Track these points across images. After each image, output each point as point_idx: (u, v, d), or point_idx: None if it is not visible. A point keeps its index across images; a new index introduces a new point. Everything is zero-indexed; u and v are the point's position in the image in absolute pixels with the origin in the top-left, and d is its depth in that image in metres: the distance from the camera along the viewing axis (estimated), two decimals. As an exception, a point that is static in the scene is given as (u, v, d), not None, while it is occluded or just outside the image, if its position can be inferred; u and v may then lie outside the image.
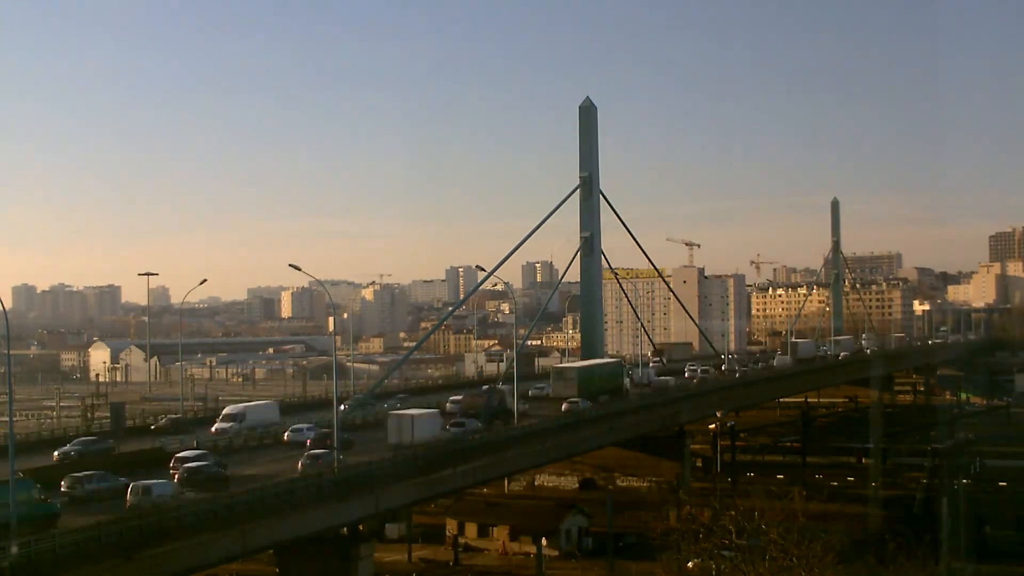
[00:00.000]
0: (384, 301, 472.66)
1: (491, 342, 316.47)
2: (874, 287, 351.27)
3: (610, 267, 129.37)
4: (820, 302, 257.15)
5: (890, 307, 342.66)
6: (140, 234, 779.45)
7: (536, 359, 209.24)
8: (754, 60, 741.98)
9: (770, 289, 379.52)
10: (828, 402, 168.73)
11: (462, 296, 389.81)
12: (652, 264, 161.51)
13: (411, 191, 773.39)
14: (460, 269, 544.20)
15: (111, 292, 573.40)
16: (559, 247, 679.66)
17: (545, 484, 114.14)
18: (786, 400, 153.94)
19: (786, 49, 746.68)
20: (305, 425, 73.99)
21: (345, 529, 59.28)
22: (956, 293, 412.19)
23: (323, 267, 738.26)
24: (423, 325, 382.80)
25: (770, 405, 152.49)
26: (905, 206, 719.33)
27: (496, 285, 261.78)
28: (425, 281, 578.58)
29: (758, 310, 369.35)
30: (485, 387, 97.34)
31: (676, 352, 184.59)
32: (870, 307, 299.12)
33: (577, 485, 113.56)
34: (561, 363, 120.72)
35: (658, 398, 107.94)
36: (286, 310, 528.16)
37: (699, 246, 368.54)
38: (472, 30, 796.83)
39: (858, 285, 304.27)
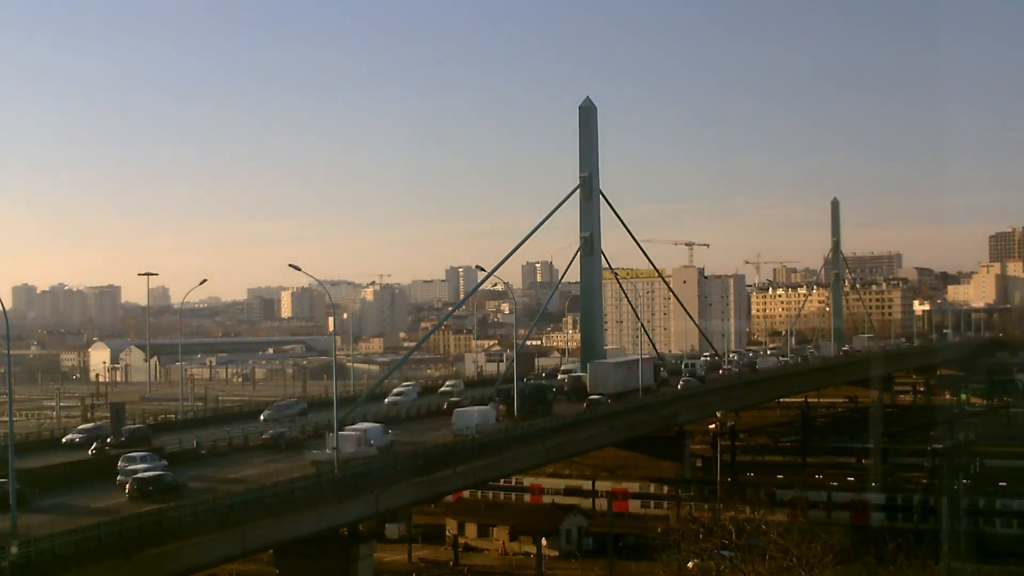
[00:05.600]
0: (384, 301, 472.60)
1: (491, 342, 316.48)
2: (874, 287, 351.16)
3: (610, 267, 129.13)
4: (820, 302, 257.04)
5: (890, 307, 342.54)
6: (140, 234, 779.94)
7: (536, 359, 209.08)
8: (754, 60, 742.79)
9: (770, 289, 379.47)
10: (828, 402, 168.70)
11: (462, 296, 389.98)
12: (652, 264, 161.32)
13: (412, 191, 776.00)
14: (460, 269, 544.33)
15: (111, 292, 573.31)
16: (559, 247, 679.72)
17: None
18: (786, 400, 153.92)
19: (786, 49, 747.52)
20: None
21: (345, 529, 59.27)
22: (956, 293, 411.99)
23: (323, 267, 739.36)
24: (423, 325, 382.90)
25: (770, 405, 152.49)
26: (905, 206, 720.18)
27: (496, 285, 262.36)
28: (425, 281, 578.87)
29: (758, 310, 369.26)
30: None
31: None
32: (870, 307, 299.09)
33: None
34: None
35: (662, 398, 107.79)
36: (286, 310, 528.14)
37: (707, 246, 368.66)
38: (472, 30, 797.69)
39: (858, 285, 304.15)
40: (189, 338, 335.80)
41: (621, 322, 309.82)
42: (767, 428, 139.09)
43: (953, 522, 76.02)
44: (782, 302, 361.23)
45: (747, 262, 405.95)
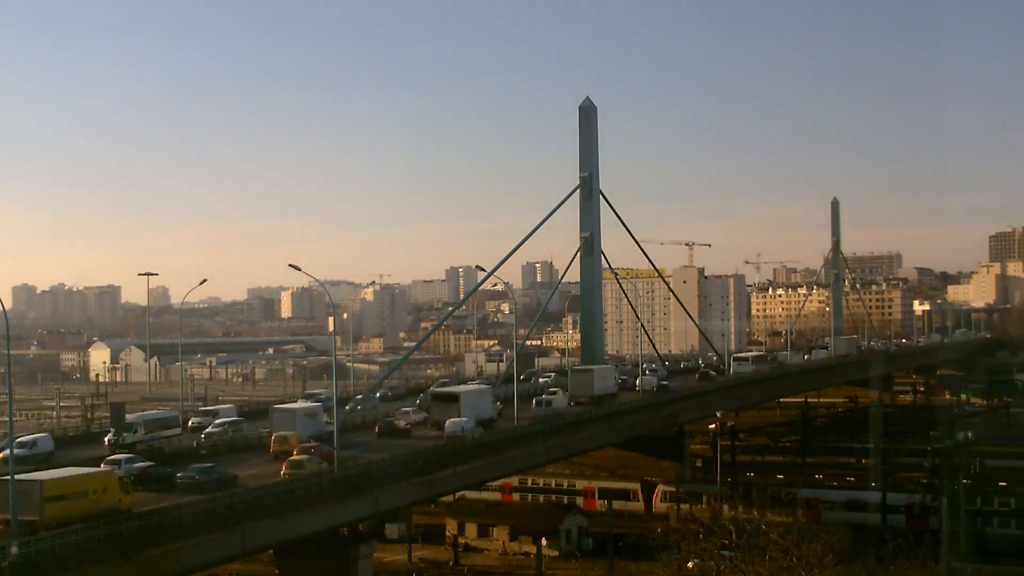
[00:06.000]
0: (384, 301, 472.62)
1: (491, 342, 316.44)
2: (874, 287, 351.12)
3: (610, 267, 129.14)
4: (820, 302, 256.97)
5: (890, 307, 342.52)
6: (140, 234, 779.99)
7: (536, 359, 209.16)
8: (754, 60, 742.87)
9: (770, 289, 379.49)
10: (828, 402, 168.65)
11: (462, 296, 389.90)
12: (652, 264, 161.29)
13: (411, 191, 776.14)
14: (460, 269, 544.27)
15: (111, 292, 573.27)
16: (559, 247, 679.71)
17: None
18: (786, 400, 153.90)
19: (786, 49, 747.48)
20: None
21: (345, 529, 59.28)
22: (956, 293, 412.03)
23: (323, 267, 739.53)
24: (423, 325, 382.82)
25: (770, 405, 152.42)
26: (905, 206, 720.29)
27: (496, 285, 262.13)
28: (425, 281, 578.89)
29: (758, 310, 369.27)
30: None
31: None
32: (870, 307, 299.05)
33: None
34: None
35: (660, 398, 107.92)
36: (286, 310, 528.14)
37: (709, 246, 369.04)
38: (472, 30, 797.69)
39: (858, 285, 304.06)
40: (189, 338, 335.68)
41: (621, 322, 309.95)
42: (767, 428, 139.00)
43: (953, 522, 75.90)
44: (782, 302, 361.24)
45: (747, 262, 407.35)
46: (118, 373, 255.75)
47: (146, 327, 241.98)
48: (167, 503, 47.57)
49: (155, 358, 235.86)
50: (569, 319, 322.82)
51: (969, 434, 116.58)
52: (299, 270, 66.60)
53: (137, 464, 55.87)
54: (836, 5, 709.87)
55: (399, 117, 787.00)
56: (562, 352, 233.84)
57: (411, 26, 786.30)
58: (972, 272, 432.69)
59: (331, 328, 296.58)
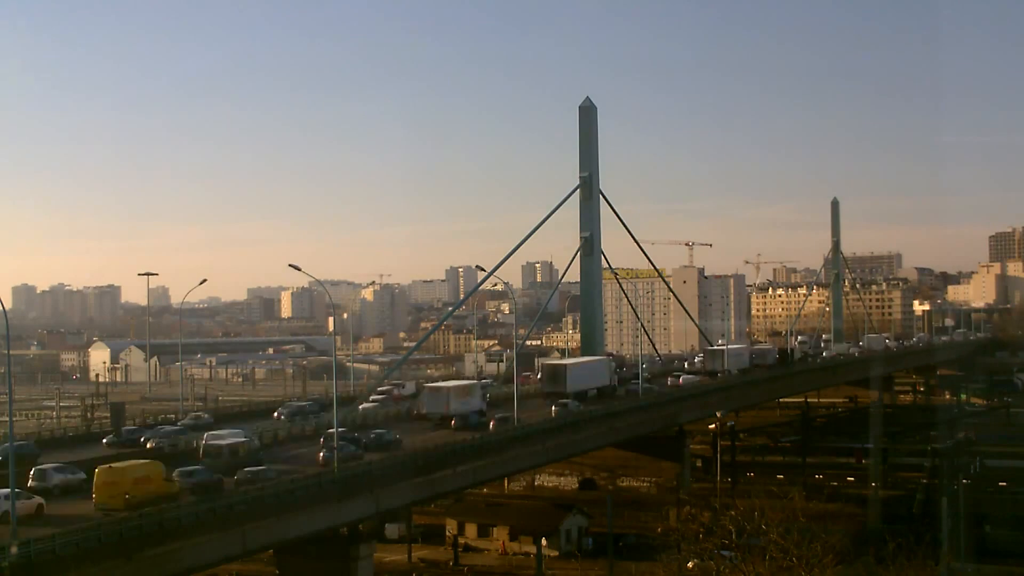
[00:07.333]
0: (384, 301, 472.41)
1: (491, 342, 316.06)
2: (874, 287, 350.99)
3: (610, 267, 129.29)
4: (820, 302, 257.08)
5: (890, 307, 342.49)
6: (140, 234, 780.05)
7: (536, 359, 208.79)
8: (754, 60, 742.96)
9: (770, 289, 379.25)
10: (828, 402, 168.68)
11: (462, 296, 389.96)
12: (652, 264, 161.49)
13: (411, 191, 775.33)
14: (460, 269, 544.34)
15: (111, 292, 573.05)
16: (559, 247, 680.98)
17: (545, 484, 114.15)
18: (786, 400, 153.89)
19: (786, 49, 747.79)
20: None
21: (345, 529, 59.27)
22: (956, 293, 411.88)
23: (323, 267, 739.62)
24: (423, 325, 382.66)
25: (770, 405, 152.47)
26: (905, 206, 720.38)
27: (496, 285, 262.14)
28: (425, 281, 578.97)
29: (758, 310, 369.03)
30: None
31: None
32: (870, 307, 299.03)
33: (577, 485, 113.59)
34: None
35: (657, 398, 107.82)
36: (286, 310, 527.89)
37: (710, 246, 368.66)
38: (473, 29, 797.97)
39: (858, 285, 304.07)
40: (189, 338, 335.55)
41: (621, 322, 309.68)
42: (767, 428, 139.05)
43: (953, 522, 75.84)
44: (782, 302, 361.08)
45: (747, 262, 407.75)
46: (118, 373, 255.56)
47: (146, 327, 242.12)
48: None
49: (155, 358, 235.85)
50: (569, 319, 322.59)
51: (969, 434, 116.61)
52: (299, 270, 66.64)
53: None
54: (836, 4, 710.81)
55: (399, 116, 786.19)
56: (562, 352, 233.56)
57: (412, 25, 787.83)
58: (972, 272, 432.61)
59: (331, 328, 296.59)
